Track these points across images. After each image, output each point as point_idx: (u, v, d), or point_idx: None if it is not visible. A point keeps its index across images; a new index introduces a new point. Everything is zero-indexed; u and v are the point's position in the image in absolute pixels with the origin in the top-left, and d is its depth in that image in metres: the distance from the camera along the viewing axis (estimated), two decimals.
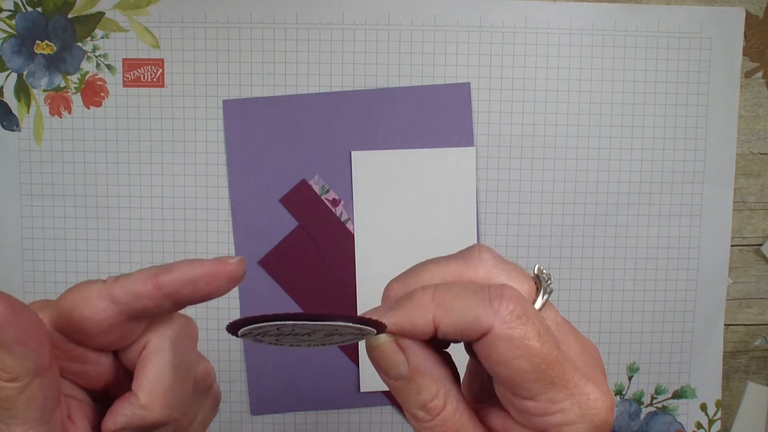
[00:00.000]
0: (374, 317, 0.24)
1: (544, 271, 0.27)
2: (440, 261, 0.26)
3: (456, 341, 0.26)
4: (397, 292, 0.26)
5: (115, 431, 0.26)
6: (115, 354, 0.28)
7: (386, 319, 0.24)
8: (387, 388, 0.52)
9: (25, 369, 0.23)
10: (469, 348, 0.26)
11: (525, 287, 0.26)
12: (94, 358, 0.27)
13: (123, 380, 0.28)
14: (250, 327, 0.23)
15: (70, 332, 0.26)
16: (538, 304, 0.25)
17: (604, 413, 0.24)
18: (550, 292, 0.26)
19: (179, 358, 0.27)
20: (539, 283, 0.26)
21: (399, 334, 0.25)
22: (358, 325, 0.23)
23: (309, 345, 0.26)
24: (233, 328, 0.23)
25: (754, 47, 0.52)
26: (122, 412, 0.26)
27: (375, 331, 0.24)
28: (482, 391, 0.29)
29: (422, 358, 0.25)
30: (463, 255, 0.26)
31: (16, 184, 0.51)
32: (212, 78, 0.51)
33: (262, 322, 0.23)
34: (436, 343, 0.26)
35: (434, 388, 0.25)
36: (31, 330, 0.24)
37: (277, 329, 0.23)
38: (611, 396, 0.25)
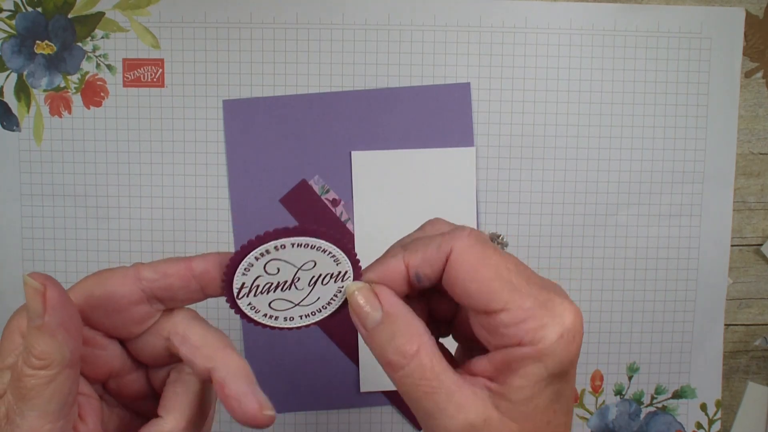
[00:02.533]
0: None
1: (499, 235, 0.30)
2: (403, 238, 0.30)
3: (428, 284, 0.28)
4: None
5: None
6: (122, 345, 0.28)
7: (364, 272, 0.28)
8: (387, 388, 0.52)
9: (60, 357, 0.23)
10: (447, 313, 0.30)
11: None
12: (104, 342, 0.28)
13: (128, 371, 0.29)
14: (242, 278, 0.26)
15: (87, 310, 0.26)
16: None
17: (573, 315, 0.26)
18: (506, 245, 0.29)
19: (204, 385, 0.28)
20: (494, 239, 0.29)
21: (376, 280, 0.28)
22: (337, 248, 0.27)
23: (301, 316, 0.28)
24: (229, 293, 0.26)
25: (754, 47, 0.52)
26: None
27: (352, 277, 0.28)
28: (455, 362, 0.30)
29: (395, 304, 0.27)
30: (422, 226, 0.31)
31: (16, 184, 0.51)
32: (212, 78, 0.51)
33: (248, 251, 0.26)
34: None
35: (407, 333, 0.27)
36: (74, 318, 0.24)
37: (264, 266, 0.26)
38: (577, 307, 0.27)
